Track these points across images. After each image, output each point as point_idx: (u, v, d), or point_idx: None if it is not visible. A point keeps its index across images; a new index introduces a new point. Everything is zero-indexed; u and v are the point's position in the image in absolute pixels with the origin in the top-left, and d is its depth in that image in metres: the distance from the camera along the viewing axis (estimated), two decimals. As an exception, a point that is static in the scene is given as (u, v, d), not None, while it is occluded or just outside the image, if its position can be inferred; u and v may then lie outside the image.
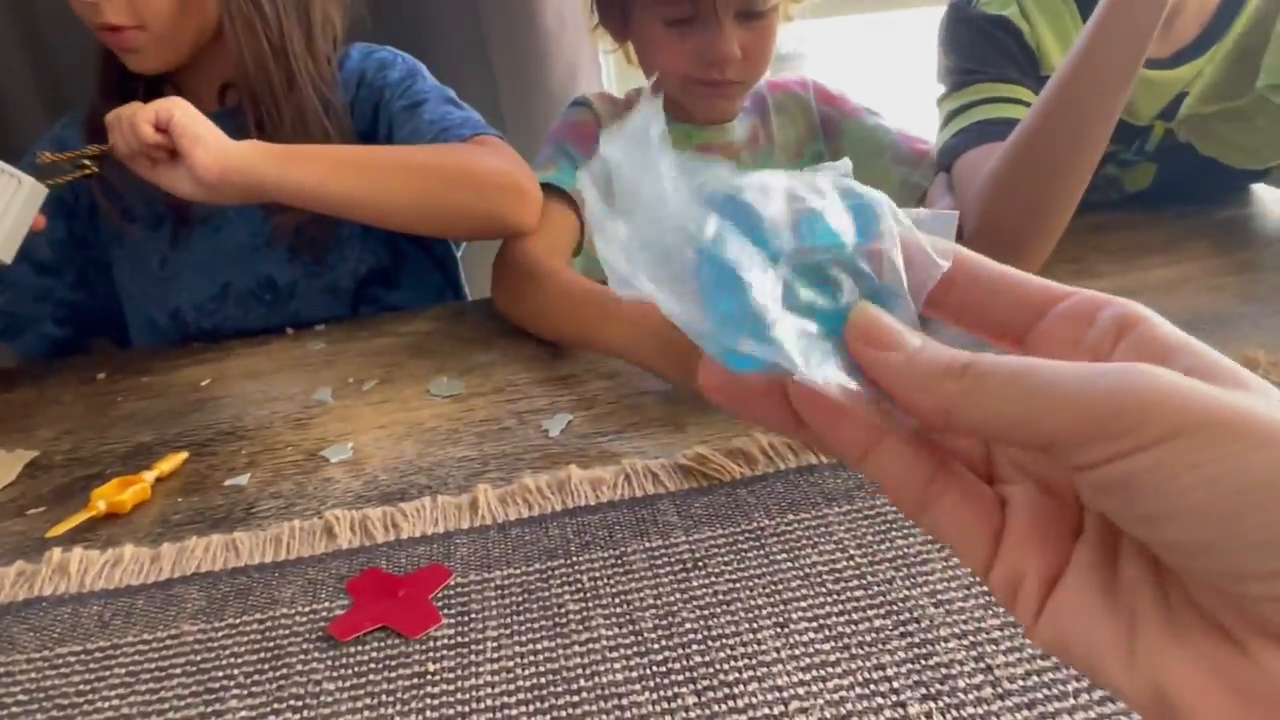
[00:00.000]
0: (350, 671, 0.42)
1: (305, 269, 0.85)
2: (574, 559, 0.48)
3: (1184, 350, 0.19)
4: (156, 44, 0.76)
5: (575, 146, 0.89)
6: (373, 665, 0.42)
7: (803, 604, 0.43)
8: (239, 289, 0.86)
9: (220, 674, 0.43)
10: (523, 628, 0.44)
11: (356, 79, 0.86)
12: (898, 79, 1.12)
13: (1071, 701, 0.37)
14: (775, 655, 0.40)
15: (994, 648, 0.40)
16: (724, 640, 0.42)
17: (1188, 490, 0.16)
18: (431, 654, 0.43)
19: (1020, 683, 0.38)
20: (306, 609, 0.47)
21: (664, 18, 0.82)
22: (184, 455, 0.63)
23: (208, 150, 0.65)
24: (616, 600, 0.45)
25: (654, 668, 0.40)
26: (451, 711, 0.39)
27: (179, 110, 0.66)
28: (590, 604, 0.45)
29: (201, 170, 0.65)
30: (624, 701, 0.39)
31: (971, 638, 0.41)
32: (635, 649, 0.41)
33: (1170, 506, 0.17)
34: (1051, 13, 0.86)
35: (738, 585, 0.45)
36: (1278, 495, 0.16)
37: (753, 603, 0.44)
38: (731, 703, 0.38)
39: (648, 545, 0.49)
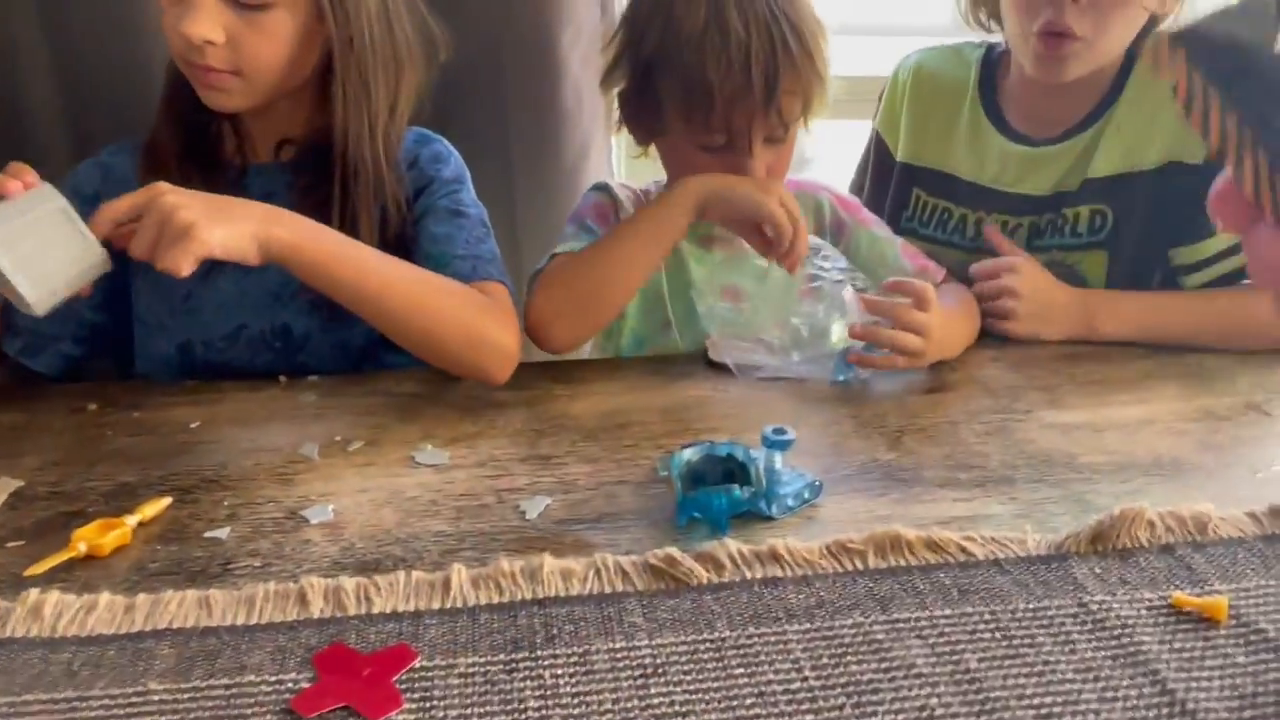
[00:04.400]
0: (310, 750, 0.43)
1: (322, 323, 0.87)
2: (539, 653, 0.50)
3: None
4: (247, 91, 0.80)
5: (595, 223, 0.94)
6: (332, 745, 0.43)
7: (754, 723, 0.45)
8: (252, 332, 0.87)
9: (182, 740, 0.44)
10: (482, 720, 0.45)
11: (409, 160, 0.90)
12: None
13: None
14: (723, 775, 0.42)
15: (932, 788, 0.42)
16: (675, 754, 0.43)
17: None
18: (391, 739, 0.44)
19: (954, 827, 0.40)
20: (273, 678, 0.48)
21: (697, 143, 0.87)
22: (167, 501, 0.64)
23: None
24: (576, 701, 0.46)
25: (605, 776, 0.42)
26: (405, 802, 0.40)
27: None
28: (550, 702, 0.46)
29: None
30: (573, 809, 0.40)
31: (912, 775, 0.42)
32: (589, 754, 0.43)
33: None
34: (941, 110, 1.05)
35: (694, 697, 0.46)
36: None
37: (708, 717, 0.45)
38: (676, 820, 0.39)
39: (611, 646, 0.50)
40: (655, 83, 0.87)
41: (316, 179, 0.84)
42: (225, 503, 0.65)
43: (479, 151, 0.99)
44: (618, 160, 1.24)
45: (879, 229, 0.99)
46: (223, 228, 0.67)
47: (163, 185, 0.68)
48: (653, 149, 0.95)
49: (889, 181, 1.08)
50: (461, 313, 0.78)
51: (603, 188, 0.97)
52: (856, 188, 1.13)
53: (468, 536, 0.61)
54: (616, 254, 0.87)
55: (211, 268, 0.85)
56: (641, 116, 0.91)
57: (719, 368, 0.88)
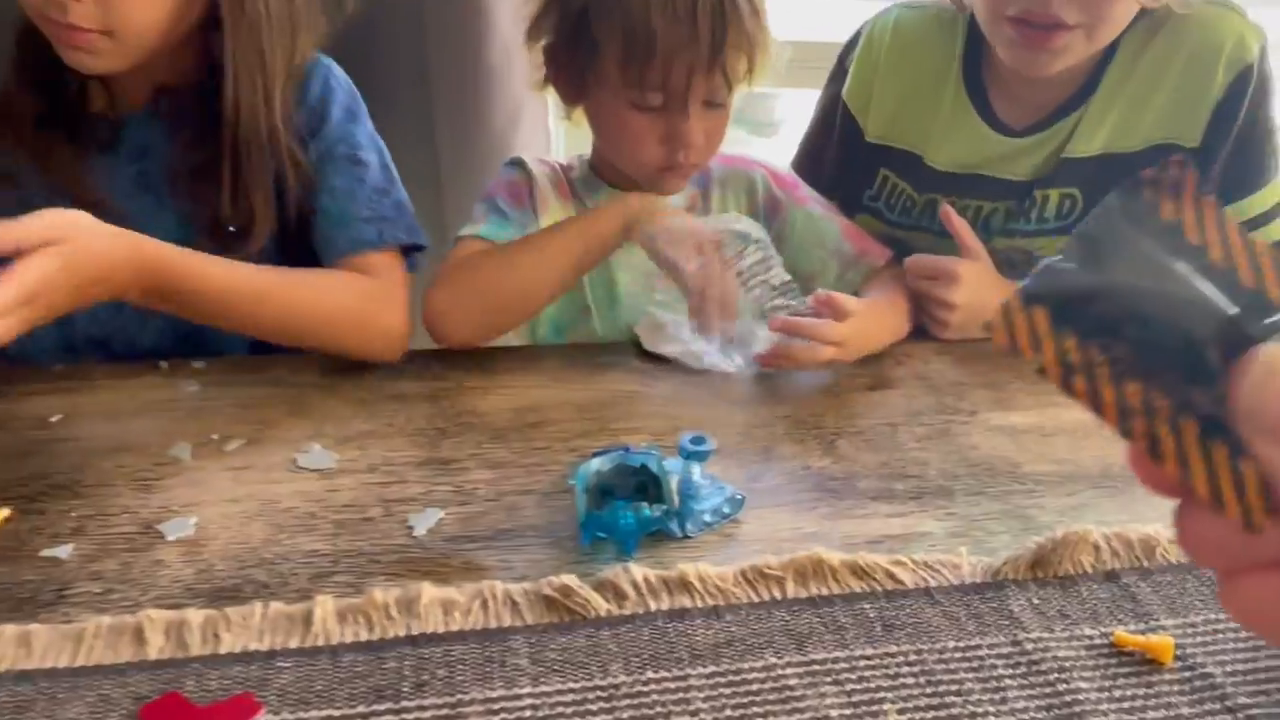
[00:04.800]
0: (114, 833, 0.37)
1: None
2: (403, 703, 0.44)
3: None
4: (119, 52, 0.71)
5: (507, 203, 0.86)
6: (142, 827, 0.37)
7: (640, 794, 0.39)
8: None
9: (-39, 821, 0.37)
10: (325, 793, 0.39)
11: (295, 99, 0.81)
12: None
13: None
14: None
15: None
16: (545, 835, 0.37)
17: None
18: (213, 818, 0.37)
19: None
20: (87, 738, 0.41)
21: (632, 102, 0.80)
22: (5, 513, 0.56)
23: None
24: (437, 766, 0.40)
25: None
26: None
27: None
28: (407, 769, 0.40)
29: None
30: None
31: None
32: (444, 837, 0.37)
33: None
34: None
35: (574, 761, 0.41)
36: None
37: (586, 787, 0.40)
38: None
39: (488, 695, 0.44)
40: (591, 32, 0.79)
41: (201, 135, 0.76)
42: (73, 514, 0.57)
43: (397, 116, 0.92)
44: (554, 126, 1.15)
45: (817, 207, 0.92)
46: (70, 302, 0.62)
47: (79, 236, 0.61)
48: (580, 114, 0.87)
49: (854, 156, 0.99)
50: (342, 310, 0.75)
51: (518, 163, 0.89)
52: (804, 158, 1.04)
53: (344, 557, 0.54)
54: (534, 260, 0.79)
55: None
56: (572, 71, 0.83)
57: (650, 358, 0.81)
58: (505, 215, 0.85)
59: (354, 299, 0.75)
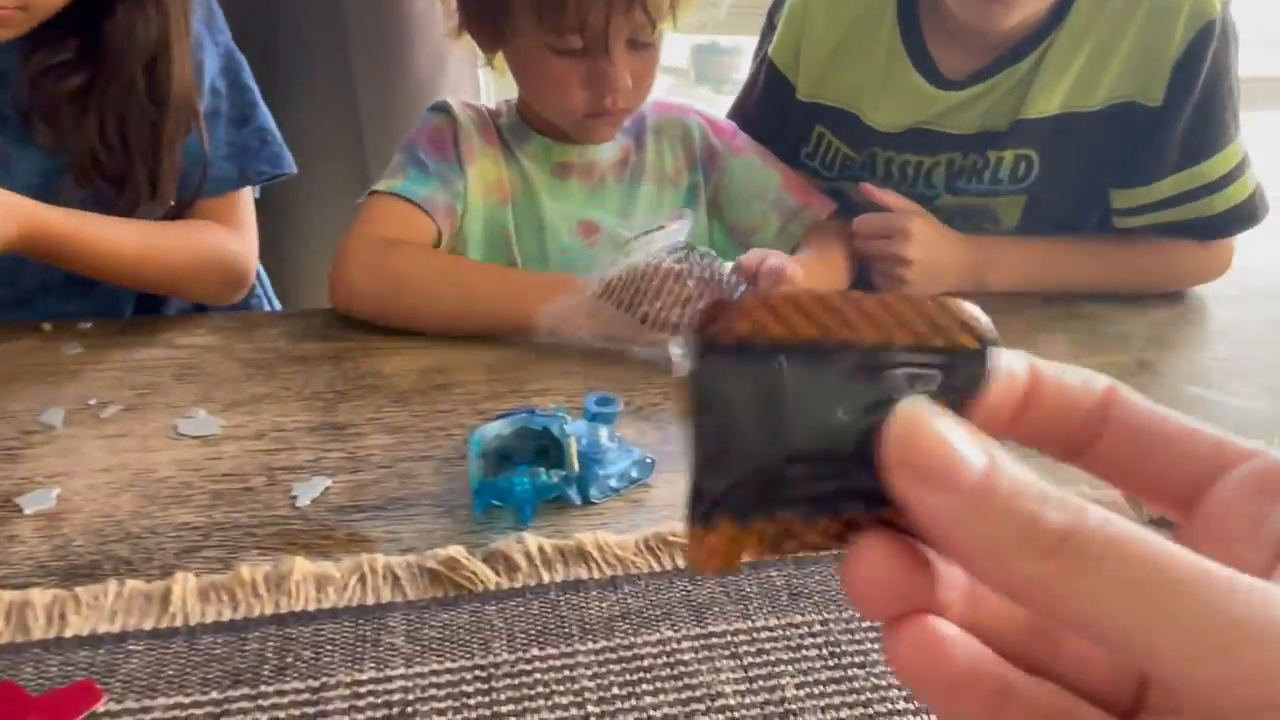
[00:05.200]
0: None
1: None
2: (261, 689, 0.40)
3: None
4: (28, 21, 0.67)
5: (429, 153, 0.81)
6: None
7: (509, 783, 0.36)
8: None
9: None
10: (161, 789, 0.35)
11: None
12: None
13: None
14: None
15: None
16: (399, 830, 0.34)
17: None
18: (31, 821, 0.34)
19: None
20: (-99, 734, 0.37)
21: (550, 46, 0.74)
22: None
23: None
24: (290, 757, 0.37)
25: None
26: None
27: None
28: (254, 761, 0.37)
29: None
30: None
31: None
32: (287, 835, 0.34)
33: None
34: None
35: (440, 748, 0.38)
36: None
37: (450, 776, 0.37)
38: None
39: (356, 678, 0.41)
40: None
41: (69, 68, 0.70)
42: (-76, 487, 0.53)
43: (314, 64, 0.86)
44: (483, 74, 1.10)
45: (756, 158, 0.88)
46: None
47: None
48: (501, 61, 0.82)
49: (786, 116, 0.94)
50: (210, 264, 0.77)
51: (442, 108, 0.84)
52: (738, 113, 0.99)
53: (216, 531, 0.50)
54: (491, 294, 0.74)
55: None
56: (485, 17, 0.78)
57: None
58: (425, 168, 0.80)
59: (220, 253, 0.78)
